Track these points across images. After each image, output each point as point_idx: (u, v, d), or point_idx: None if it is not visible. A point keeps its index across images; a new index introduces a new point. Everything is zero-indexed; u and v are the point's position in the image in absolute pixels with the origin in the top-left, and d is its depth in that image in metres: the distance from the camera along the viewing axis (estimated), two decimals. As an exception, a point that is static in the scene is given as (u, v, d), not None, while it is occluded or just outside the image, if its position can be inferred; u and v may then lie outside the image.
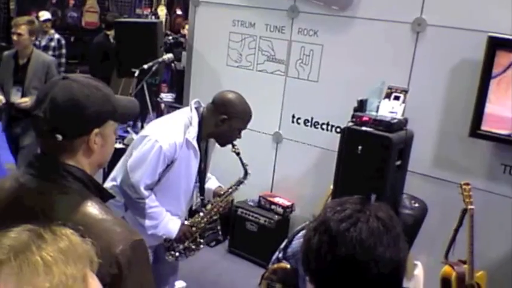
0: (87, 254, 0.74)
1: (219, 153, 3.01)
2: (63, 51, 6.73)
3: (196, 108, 2.63)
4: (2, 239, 0.72)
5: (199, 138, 2.59)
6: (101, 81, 1.41)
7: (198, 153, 2.61)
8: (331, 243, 1.06)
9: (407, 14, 3.62)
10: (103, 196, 1.38)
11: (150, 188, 2.54)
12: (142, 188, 2.49)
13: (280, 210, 4.25)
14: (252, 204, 4.39)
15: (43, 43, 6.52)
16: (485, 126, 3.27)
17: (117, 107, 1.37)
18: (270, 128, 4.43)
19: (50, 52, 6.43)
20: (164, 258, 2.79)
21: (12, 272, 0.67)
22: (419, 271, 3.63)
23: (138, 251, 1.24)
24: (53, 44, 6.63)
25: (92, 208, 1.26)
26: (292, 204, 4.31)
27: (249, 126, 4.37)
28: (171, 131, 2.52)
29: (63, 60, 6.68)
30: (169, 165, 2.52)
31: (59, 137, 1.28)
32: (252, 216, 4.28)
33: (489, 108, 3.24)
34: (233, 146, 2.72)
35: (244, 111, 2.64)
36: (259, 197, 4.38)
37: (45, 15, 6.78)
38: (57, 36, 6.73)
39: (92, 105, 1.30)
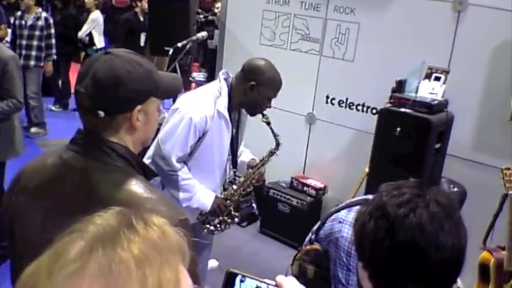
0: (180, 248, 0.66)
1: (251, 127, 2.97)
2: (52, 31, 6.22)
3: (225, 79, 2.60)
4: (89, 226, 0.64)
5: (230, 109, 2.56)
6: (144, 57, 1.37)
7: (230, 123, 2.58)
8: (389, 229, 1.02)
9: (449, -8, 3.49)
10: (146, 174, 1.36)
11: (183, 160, 2.54)
12: (174, 160, 2.48)
13: (312, 192, 4.21)
14: (284, 185, 4.36)
15: (29, 22, 6.05)
16: (529, 109, 3.15)
17: (160, 83, 1.34)
18: (303, 109, 4.36)
19: (38, 32, 6.06)
20: (198, 234, 2.79)
21: (100, 272, 0.58)
22: (455, 256, 3.58)
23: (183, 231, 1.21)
24: (40, 23, 6.09)
25: (137, 186, 1.24)
26: (325, 186, 4.26)
27: (281, 106, 4.38)
28: (201, 103, 2.50)
29: (53, 41, 6.22)
30: (201, 138, 2.51)
31: (101, 114, 1.25)
32: (284, 197, 4.25)
33: (534, 90, 3.12)
34: (263, 115, 2.66)
35: (273, 78, 2.57)
36: (292, 178, 4.34)
37: None
38: (44, 14, 6.22)
39: (134, 81, 1.27)
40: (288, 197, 4.23)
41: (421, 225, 1.00)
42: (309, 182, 4.28)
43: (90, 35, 7.36)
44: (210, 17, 7.23)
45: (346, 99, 4.12)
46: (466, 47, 3.49)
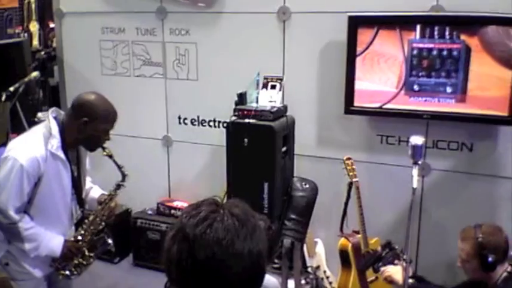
0: None
1: (101, 162, 2.88)
2: None
3: (55, 118, 2.47)
4: None
5: (65, 148, 2.44)
6: None
7: (67, 163, 2.46)
8: (190, 249, 1.05)
9: (272, 4, 3.71)
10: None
11: (22, 210, 2.39)
12: (11, 212, 2.34)
13: (180, 213, 4.20)
14: (151, 212, 4.30)
15: None
16: (357, 102, 3.45)
17: None
18: (158, 133, 4.36)
19: None
20: (57, 282, 2.66)
21: None
22: (320, 248, 3.79)
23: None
24: None
25: None
26: (192, 206, 4.27)
27: (135, 133, 4.33)
28: (29, 147, 2.36)
29: None
30: (37, 183, 2.37)
31: None
32: (153, 224, 4.19)
33: (359, 84, 3.42)
34: (103, 149, 2.57)
35: (106, 110, 2.47)
36: (158, 204, 4.30)
37: None
38: None
39: None
40: (156, 223, 4.18)
41: (218, 239, 1.04)
42: (175, 204, 4.27)
43: None
44: (52, 53, 6.89)
45: (198, 117, 4.19)
46: (295, 53, 3.73)
